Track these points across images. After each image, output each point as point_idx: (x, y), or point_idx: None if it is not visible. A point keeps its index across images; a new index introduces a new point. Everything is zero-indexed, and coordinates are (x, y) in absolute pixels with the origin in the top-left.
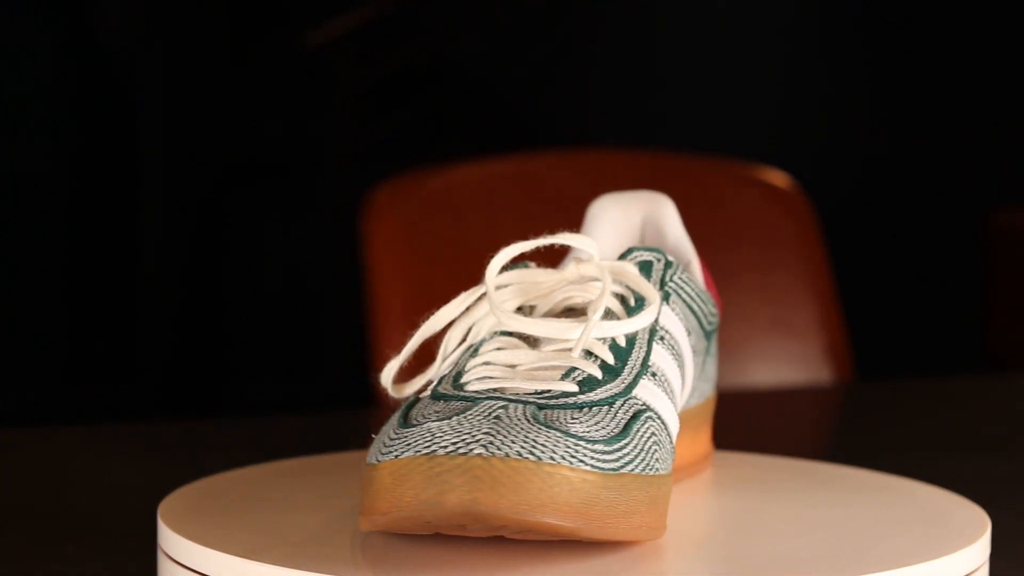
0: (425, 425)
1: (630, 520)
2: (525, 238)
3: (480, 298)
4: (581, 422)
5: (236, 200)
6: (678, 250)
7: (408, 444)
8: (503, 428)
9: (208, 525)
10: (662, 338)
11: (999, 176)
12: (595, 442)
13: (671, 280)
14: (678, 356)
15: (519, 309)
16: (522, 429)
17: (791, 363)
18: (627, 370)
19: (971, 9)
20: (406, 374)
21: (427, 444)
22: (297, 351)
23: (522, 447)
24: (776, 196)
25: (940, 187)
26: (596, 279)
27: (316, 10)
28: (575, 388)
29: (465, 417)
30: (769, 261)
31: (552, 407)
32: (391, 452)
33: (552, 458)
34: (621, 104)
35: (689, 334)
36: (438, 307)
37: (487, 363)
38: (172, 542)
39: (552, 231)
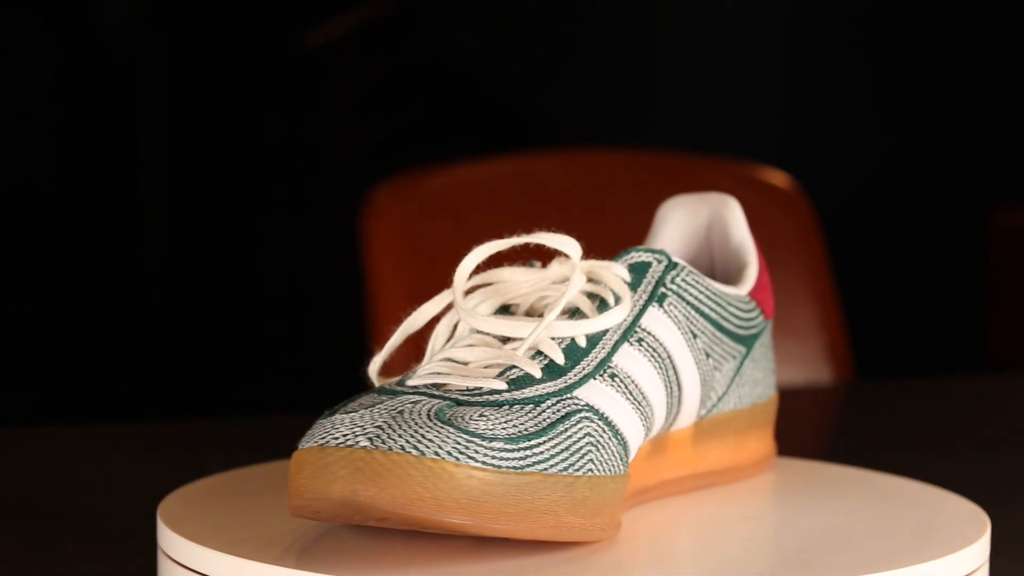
0: (333, 416)
1: (542, 519)
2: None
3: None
4: (488, 419)
5: (236, 200)
6: (740, 251)
7: (313, 435)
8: (397, 422)
9: (208, 525)
10: (640, 340)
11: (999, 176)
12: (493, 440)
13: (672, 282)
14: (661, 360)
15: (505, 307)
16: (413, 424)
17: (791, 363)
18: (575, 371)
19: (971, 9)
20: (403, 369)
21: (323, 435)
22: (297, 351)
23: (407, 441)
24: (776, 196)
25: (940, 187)
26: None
27: (316, 10)
28: (504, 386)
29: (370, 410)
30: (769, 261)
31: (470, 403)
32: (302, 442)
33: (436, 453)
34: (621, 104)
35: (695, 337)
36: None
37: (448, 359)
38: (172, 542)
39: (552, 230)
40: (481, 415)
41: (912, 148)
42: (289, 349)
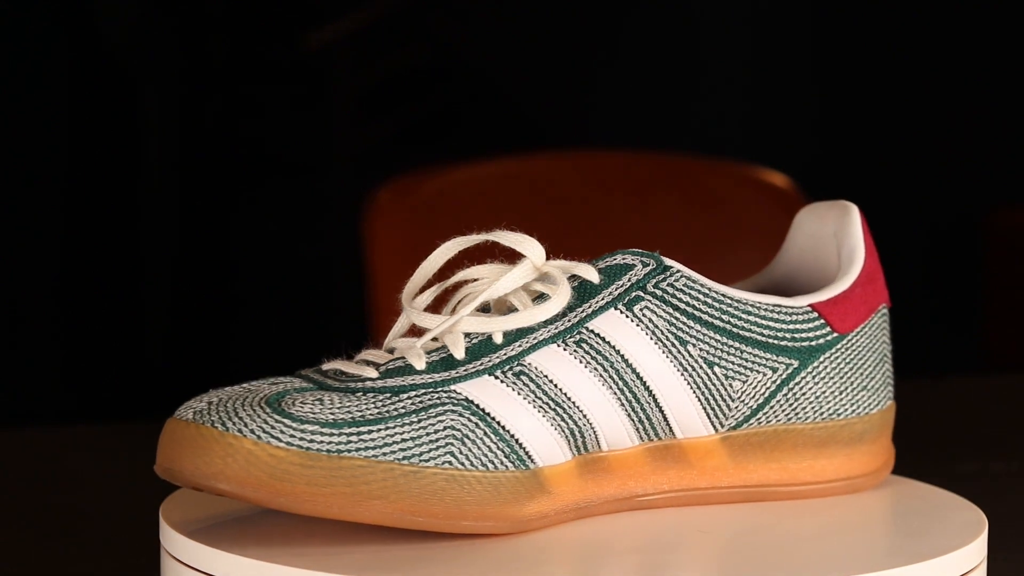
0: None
1: (370, 505)
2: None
3: (452, 288)
4: (321, 404)
5: (237, 201)
6: (847, 260)
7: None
8: (230, 400)
9: (211, 524)
10: (581, 342)
11: (998, 176)
12: (307, 423)
13: (657, 286)
14: (608, 364)
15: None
16: (238, 403)
17: None
18: (469, 366)
19: (969, 8)
20: None
21: (180, 407)
22: (298, 352)
23: (218, 418)
24: (776, 196)
25: (939, 187)
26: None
27: (318, 10)
28: (374, 375)
29: (236, 388)
30: (769, 261)
31: (331, 388)
32: None
33: (240, 431)
34: (621, 105)
35: (685, 344)
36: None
37: (388, 349)
38: (175, 541)
39: (552, 230)
40: (317, 400)
41: (910, 147)
42: (290, 350)
